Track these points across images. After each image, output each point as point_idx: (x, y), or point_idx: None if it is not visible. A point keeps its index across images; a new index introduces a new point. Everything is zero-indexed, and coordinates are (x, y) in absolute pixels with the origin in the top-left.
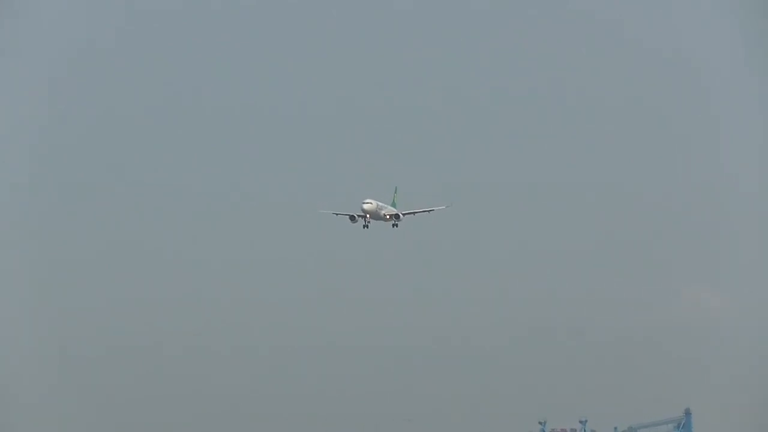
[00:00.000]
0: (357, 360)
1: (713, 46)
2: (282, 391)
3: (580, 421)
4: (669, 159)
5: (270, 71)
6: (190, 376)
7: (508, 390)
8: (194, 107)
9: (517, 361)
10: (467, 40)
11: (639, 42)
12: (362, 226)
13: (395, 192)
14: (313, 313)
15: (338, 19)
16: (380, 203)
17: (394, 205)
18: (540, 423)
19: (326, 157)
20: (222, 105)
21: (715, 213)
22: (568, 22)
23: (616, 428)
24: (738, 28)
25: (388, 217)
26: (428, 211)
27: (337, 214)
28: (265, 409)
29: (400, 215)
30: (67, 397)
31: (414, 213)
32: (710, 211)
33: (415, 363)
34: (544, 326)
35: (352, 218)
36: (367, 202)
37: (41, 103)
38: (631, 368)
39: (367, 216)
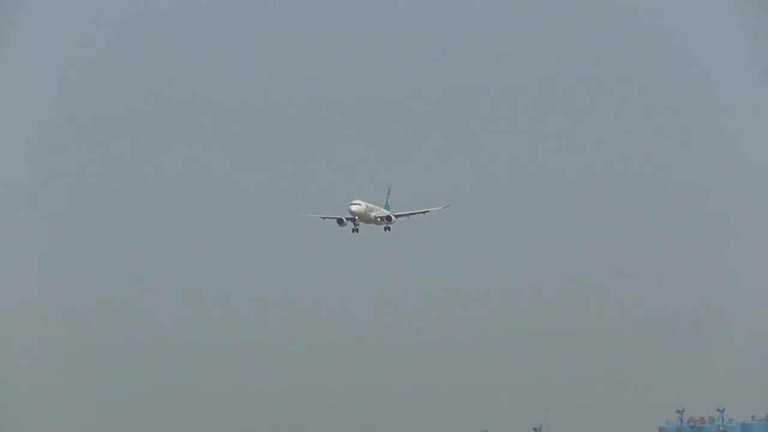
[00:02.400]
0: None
1: (719, 37)
2: (275, 391)
3: (718, 410)
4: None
5: (258, 69)
6: (177, 375)
7: (645, 380)
8: (184, 107)
9: (653, 351)
10: (460, 36)
11: (643, 34)
12: (351, 230)
13: (388, 193)
14: (302, 320)
15: (330, 16)
16: (370, 204)
17: (387, 207)
18: (678, 411)
19: (313, 156)
20: (210, 104)
21: None
22: (566, 17)
23: (753, 416)
24: (740, 23)
25: (378, 219)
26: (423, 212)
27: (324, 218)
28: (258, 407)
29: (392, 217)
30: (69, 394)
31: (407, 215)
32: None
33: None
34: (670, 316)
35: (340, 221)
36: (356, 204)
37: (41, 100)
38: None
39: (356, 218)
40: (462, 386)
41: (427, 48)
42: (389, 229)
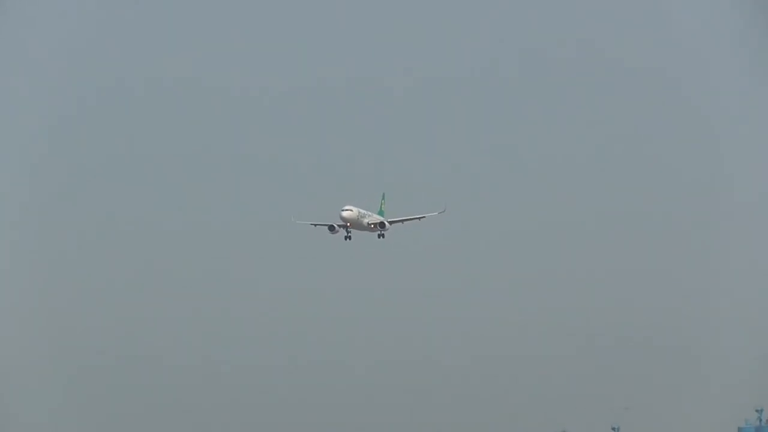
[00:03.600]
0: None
1: (726, 27)
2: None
3: None
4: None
5: (247, 70)
6: (153, 388)
7: (723, 379)
8: (177, 109)
9: (731, 349)
10: (454, 36)
11: (644, 24)
12: (344, 238)
13: (382, 199)
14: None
15: (317, 12)
16: (362, 210)
17: (381, 213)
18: (757, 411)
19: (303, 160)
20: (204, 106)
21: None
22: (560, 10)
23: None
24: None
25: (372, 226)
26: (419, 218)
27: (315, 225)
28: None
29: (386, 223)
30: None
31: (402, 221)
32: None
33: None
34: (747, 314)
35: (332, 228)
36: (347, 210)
37: (39, 99)
38: None
39: (348, 225)
40: (540, 386)
41: (419, 48)
42: (383, 236)
